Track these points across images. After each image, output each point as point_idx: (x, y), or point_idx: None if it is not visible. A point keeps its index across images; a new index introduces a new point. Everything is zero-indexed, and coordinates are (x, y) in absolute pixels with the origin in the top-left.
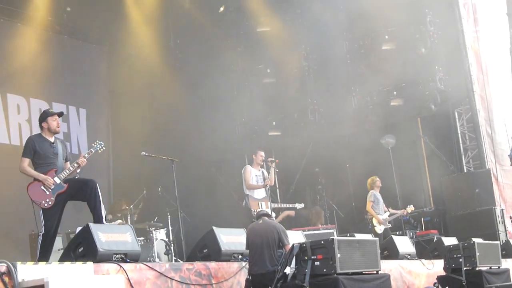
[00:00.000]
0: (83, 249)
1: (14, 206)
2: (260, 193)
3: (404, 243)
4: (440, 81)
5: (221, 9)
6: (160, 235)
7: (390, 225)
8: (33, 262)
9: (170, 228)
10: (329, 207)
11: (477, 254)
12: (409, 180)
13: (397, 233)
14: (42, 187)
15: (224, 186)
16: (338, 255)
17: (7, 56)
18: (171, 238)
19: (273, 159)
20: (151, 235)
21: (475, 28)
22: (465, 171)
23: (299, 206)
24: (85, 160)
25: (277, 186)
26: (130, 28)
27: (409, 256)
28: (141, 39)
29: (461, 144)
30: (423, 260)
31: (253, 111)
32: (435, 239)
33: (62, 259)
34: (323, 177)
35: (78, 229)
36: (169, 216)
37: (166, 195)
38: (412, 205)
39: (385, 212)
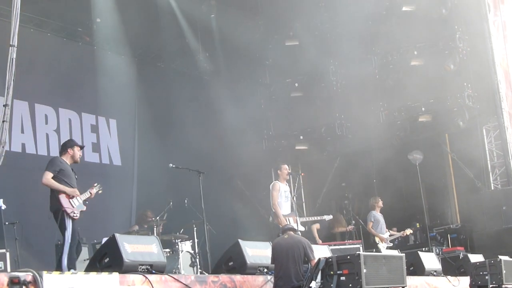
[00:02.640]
0: (109, 259)
1: (40, 215)
2: (287, 209)
3: (430, 260)
4: (469, 97)
5: (251, 23)
6: (185, 247)
7: (391, 244)
8: (59, 272)
9: (196, 240)
10: (355, 222)
11: (504, 271)
12: (436, 197)
13: (424, 249)
14: (70, 200)
15: (250, 199)
16: (364, 270)
17: (36, 66)
18: (196, 250)
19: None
20: (177, 247)
21: (505, 45)
22: (493, 188)
23: (327, 217)
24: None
25: (303, 200)
26: (160, 40)
27: (435, 273)
28: (171, 51)
29: (488, 161)
30: (449, 277)
31: (280, 125)
32: (461, 256)
33: (88, 269)
34: (350, 192)
35: (104, 239)
36: (195, 228)
37: (192, 207)
38: (410, 229)
39: (386, 232)
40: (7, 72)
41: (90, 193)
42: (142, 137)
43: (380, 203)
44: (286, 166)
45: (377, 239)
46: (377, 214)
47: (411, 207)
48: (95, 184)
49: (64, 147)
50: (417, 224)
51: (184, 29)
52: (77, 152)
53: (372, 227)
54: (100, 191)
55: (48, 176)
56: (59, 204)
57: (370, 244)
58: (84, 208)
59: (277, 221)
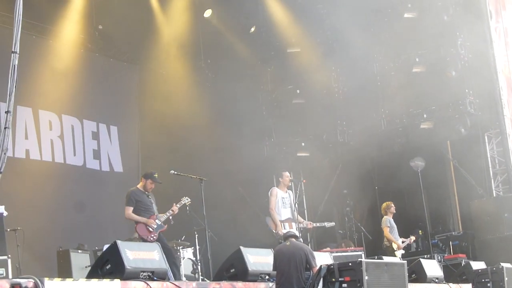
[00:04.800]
0: (110, 266)
1: (42, 222)
2: (284, 214)
3: (432, 267)
4: (470, 104)
5: (252, 29)
6: (187, 254)
7: (404, 251)
8: (60, 279)
9: (198, 247)
10: (357, 229)
11: (506, 279)
12: (437, 204)
13: (425, 256)
14: (148, 227)
15: (251, 206)
16: (366, 278)
17: (39, 72)
18: (198, 257)
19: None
20: (178, 253)
21: (506, 52)
22: (494, 195)
23: (328, 224)
24: (177, 209)
25: (305, 207)
26: (161, 47)
27: (437, 280)
28: (172, 58)
29: (490, 168)
30: (451, 284)
31: (282, 132)
32: (463, 263)
33: (90, 276)
34: (352, 199)
35: (106, 246)
36: (196, 235)
37: (194, 214)
38: (419, 231)
39: (399, 238)
40: (9, 78)
41: (172, 210)
42: (144, 144)
43: (393, 209)
44: (287, 174)
45: (394, 246)
46: (391, 219)
47: (412, 214)
48: (178, 203)
49: (142, 176)
50: (420, 231)
51: (186, 36)
52: (149, 184)
53: (389, 232)
54: (188, 203)
55: (128, 211)
56: (137, 231)
57: (372, 251)
58: (165, 227)
59: (272, 227)
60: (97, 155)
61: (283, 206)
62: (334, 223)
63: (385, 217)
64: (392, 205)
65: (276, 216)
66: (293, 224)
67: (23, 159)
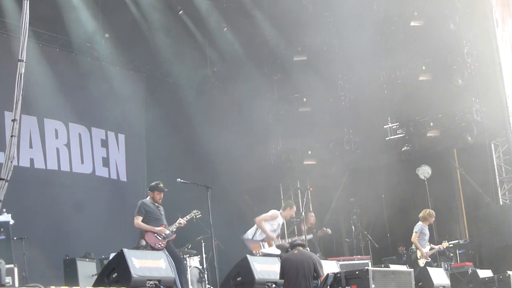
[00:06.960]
0: (117, 274)
1: (49, 230)
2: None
3: (439, 275)
4: (477, 112)
5: (258, 38)
6: (193, 262)
7: (429, 259)
8: (67, 287)
9: (204, 255)
10: (364, 237)
11: None
12: (444, 212)
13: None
14: (156, 235)
15: (257, 215)
16: (373, 286)
17: (45, 81)
18: (204, 266)
19: None
20: (185, 262)
21: None
22: (501, 203)
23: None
24: (185, 222)
25: None
26: (168, 56)
27: None
28: (179, 66)
29: (497, 176)
30: None
31: (288, 140)
32: (470, 271)
33: (96, 284)
34: (358, 207)
35: (112, 255)
36: (203, 243)
37: (200, 222)
38: (447, 241)
39: (427, 246)
40: (16, 87)
41: (180, 223)
42: (151, 152)
43: (432, 219)
44: (295, 209)
45: (418, 254)
46: (425, 227)
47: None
48: (185, 217)
49: (148, 189)
50: (445, 242)
51: (192, 44)
52: (157, 195)
53: (417, 239)
54: (198, 216)
55: (138, 220)
56: (145, 240)
57: (379, 259)
58: (173, 236)
59: (251, 247)
60: (106, 163)
61: (273, 231)
62: (312, 235)
63: (419, 222)
64: (433, 213)
65: (265, 228)
66: (272, 242)
67: (27, 168)
